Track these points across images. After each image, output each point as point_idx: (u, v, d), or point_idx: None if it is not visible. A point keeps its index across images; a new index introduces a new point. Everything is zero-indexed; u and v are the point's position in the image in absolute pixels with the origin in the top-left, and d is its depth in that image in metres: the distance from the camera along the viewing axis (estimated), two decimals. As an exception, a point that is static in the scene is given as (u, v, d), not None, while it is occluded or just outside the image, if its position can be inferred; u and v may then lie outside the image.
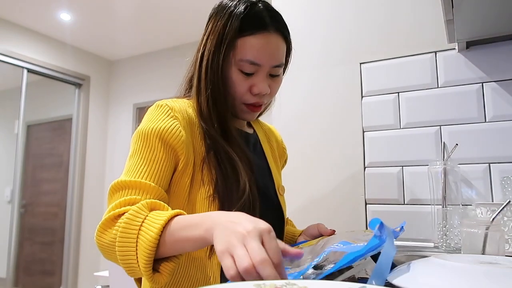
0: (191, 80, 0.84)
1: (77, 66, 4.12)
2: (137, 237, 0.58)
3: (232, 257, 0.43)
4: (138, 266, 0.57)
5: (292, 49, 0.86)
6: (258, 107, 0.81)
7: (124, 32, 3.82)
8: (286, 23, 0.81)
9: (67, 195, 4.00)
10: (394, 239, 0.65)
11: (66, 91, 4.19)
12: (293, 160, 1.41)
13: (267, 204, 0.84)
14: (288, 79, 1.48)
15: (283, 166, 1.07)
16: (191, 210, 0.74)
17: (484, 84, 1.14)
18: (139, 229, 0.58)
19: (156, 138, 0.71)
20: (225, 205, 0.73)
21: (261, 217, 0.71)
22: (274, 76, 0.80)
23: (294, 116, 1.43)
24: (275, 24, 0.77)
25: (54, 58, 3.93)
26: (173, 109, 0.74)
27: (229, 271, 0.43)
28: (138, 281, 0.81)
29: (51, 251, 4.03)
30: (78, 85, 4.18)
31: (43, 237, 4.07)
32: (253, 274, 0.41)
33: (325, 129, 1.36)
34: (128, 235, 0.58)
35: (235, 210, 0.70)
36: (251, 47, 0.74)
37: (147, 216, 0.59)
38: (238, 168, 0.75)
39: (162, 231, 0.56)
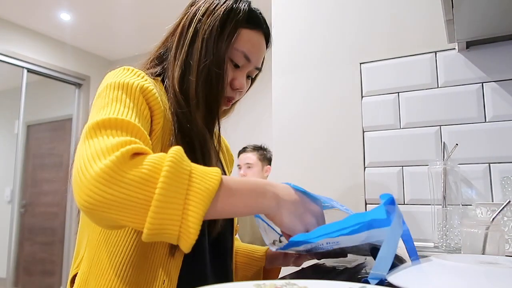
0: (161, 57, 0.78)
1: (77, 66, 4.12)
2: (188, 187, 0.48)
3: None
4: (181, 221, 0.47)
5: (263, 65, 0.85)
6: (229, 103, 0.80)
7: (124, 32, 3.82)
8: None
9: (67, 195, 4.00)
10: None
11: (66, 91, 4.19)
12: (292, 160, 1.41)
13: None
14: (288, 79, 1.48)
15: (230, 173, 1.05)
16: None
17: (484, 84, 1.14)
18: (190, 179, 0.49)
19: (139, 92, 0.63)
20: None
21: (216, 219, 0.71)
22: (249, 78, 0.82)
23: (294, 116, 1.43)
24: (268, 31, 0.81)
25: (54, 58, 3.93)
26: (147, 77, 0.68)
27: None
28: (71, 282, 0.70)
29: (51, 251, 4.03)
30: (78, 85, 4.18)
31: (43, 237, 4.07)
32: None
33: (325, 129, 1.36)
34: (177, 183, 0.48)
35: None
36: (249, 40, 0.75)
37: (191, 165, 0.51)
38: (211, 161, 0.71)
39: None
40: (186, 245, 0.48)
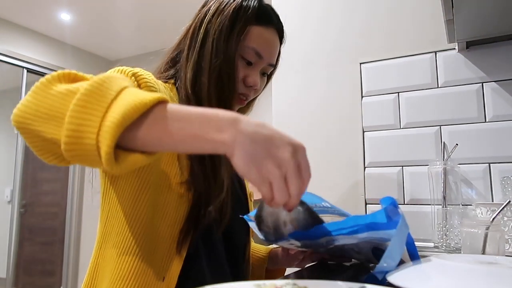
0: (175, 59, 0.79)
1: (77, 66, 4.12)
2: (114, 99, 0.44)
3: (270, 186, 0.44)
4: (98, 130, 0.42)
5: (280, 59, 0.85)
6: (243, 101, 0.80)
7: (124, 32, 3.82)
8: (284, 24, 0.82)
9: (67, 195, 4.00)
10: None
11: (66, 91, 4.18)
12: (293, 160, 1.41)
13: (242, 210, 0.83)
14: (288, 78, 1.48)
15: None
16: (159, 193, 0.66)
17: (484, 84, 1.14)
18: (120, 92, 0.46)
19: (131, 75, 0.64)
20: (201, 200, 0.67)
21: (232, 220, 0.71)
22: (264, 75, 0.82)
23: (293, 116, 1.43)
24: (280, 27, 0.81)
25: (54, 58, 3.93)
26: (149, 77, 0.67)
27: (268, 201, 0.45)
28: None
29: (51, 251, 4.03)
30: (78, 85, 4.18)
31: (43, 237, 4.07)
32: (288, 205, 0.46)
33: (325, 129, 1.36)
34: (102, 92, 0.45)
35: (214, 209, 0.67)
36: (259, 37, 0.75)
37: (132, 87, 0.48)
38: (221, 161, 0.70)
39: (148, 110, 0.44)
40: (105, 156, 0.42)
